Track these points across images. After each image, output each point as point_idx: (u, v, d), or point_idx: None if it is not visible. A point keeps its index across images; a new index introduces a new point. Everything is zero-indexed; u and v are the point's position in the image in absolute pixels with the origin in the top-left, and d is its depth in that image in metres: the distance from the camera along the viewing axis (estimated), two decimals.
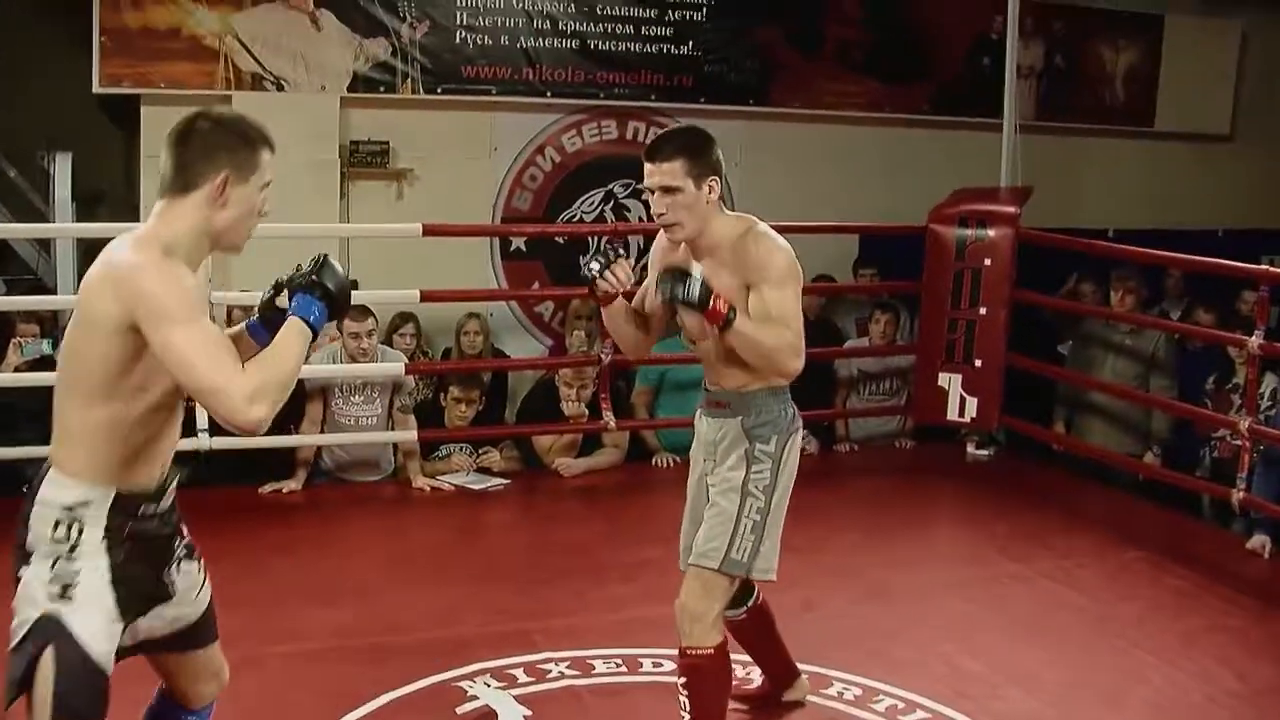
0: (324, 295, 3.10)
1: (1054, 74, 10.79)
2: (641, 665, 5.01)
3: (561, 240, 9.43)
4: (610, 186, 9.67)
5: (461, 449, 7.82)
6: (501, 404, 8.51)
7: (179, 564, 3.20)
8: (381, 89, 9.03)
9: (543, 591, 5.80)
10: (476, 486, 7.50)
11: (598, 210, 9.65)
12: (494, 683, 4.84)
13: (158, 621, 3.17)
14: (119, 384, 2.95)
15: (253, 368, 2.93)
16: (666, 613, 4.48)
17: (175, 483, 3.17)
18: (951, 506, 7.78)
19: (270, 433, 7.19)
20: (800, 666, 4.84)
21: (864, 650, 5.19)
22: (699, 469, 4.32)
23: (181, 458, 7.18)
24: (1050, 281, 9.04)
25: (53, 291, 8.72)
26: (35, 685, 2.91)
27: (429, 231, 7.67)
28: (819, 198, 9.58)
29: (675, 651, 4.19)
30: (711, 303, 3.88)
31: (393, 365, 7.44)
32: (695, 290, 3.88)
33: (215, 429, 7.04)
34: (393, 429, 7.52)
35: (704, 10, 9.64)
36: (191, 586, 3.25)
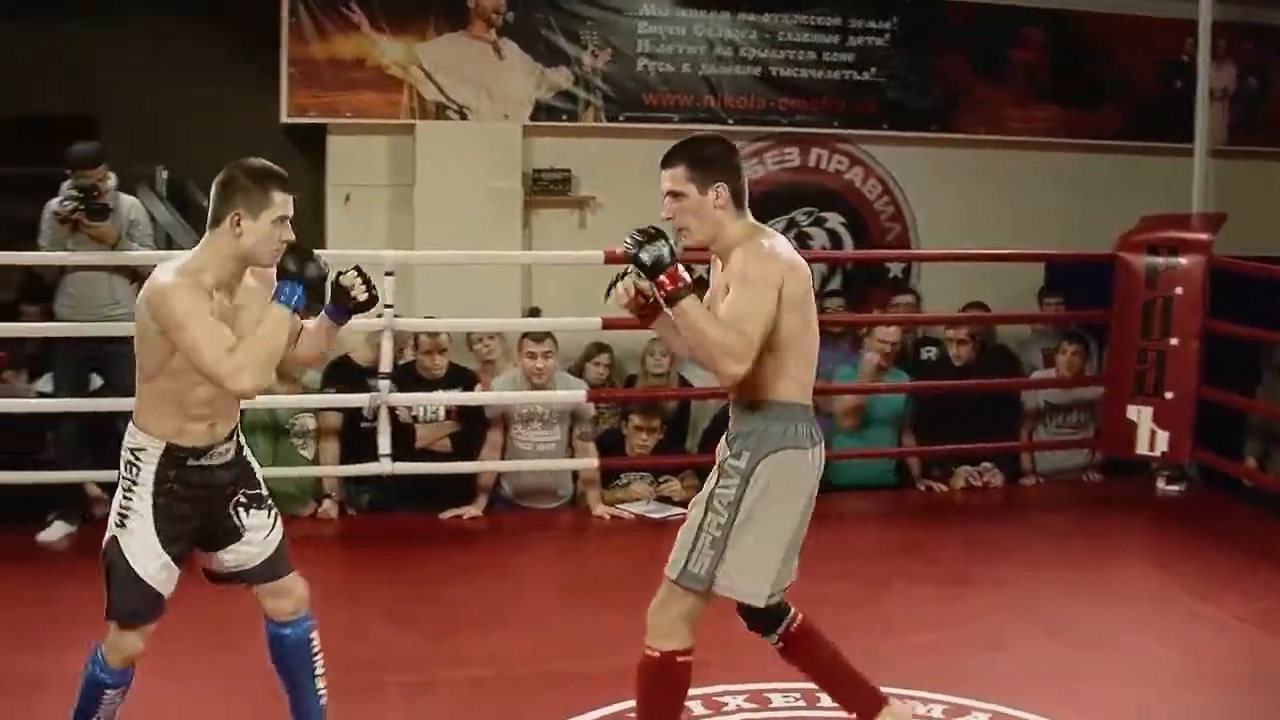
0: (301, 281, 3.80)
1: (1247, 96, 10.46)
2: (819, 700, 4.90)
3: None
4: (792, 214, 9.61)
5: (642, 477, 7.81)
6: (683, 432, 8.48)
7: (246, 511, 4.01)
8: (564, 117, 9.10)
9: (720, 623, 5.67)
10: (656, 515, 7.49)
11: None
12: None
13: (233, 556, 4.02)
14: (165, 366, 3.80)
15: (239, 349, 3.70)
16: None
17: (230, 450, 3.97)
18: (1141, 543, 7.56)
19: (451, 458, 7.40)
20: (983, 705, 4.75)
21: (1051, 690, 5.01)
22: None
23: (364, 482, 7.40)
24: (1244, 311, 8.76)
25: None
26: (105, 589, 3.88)
27: (611, 259, 7.67)
28: (1003, 225, 9.41)
29: None
30: (666, 272, 3.79)
31: (573, 393, 7.47)
32: (650, 254, 3.81)
33: (397, 455, 7.14)
34: (573, 456, 7.54)
35: (887, 36, 9.57)
36: (260, 529, 4.04)
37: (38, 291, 8.11)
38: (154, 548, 3.83)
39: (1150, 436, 8.16)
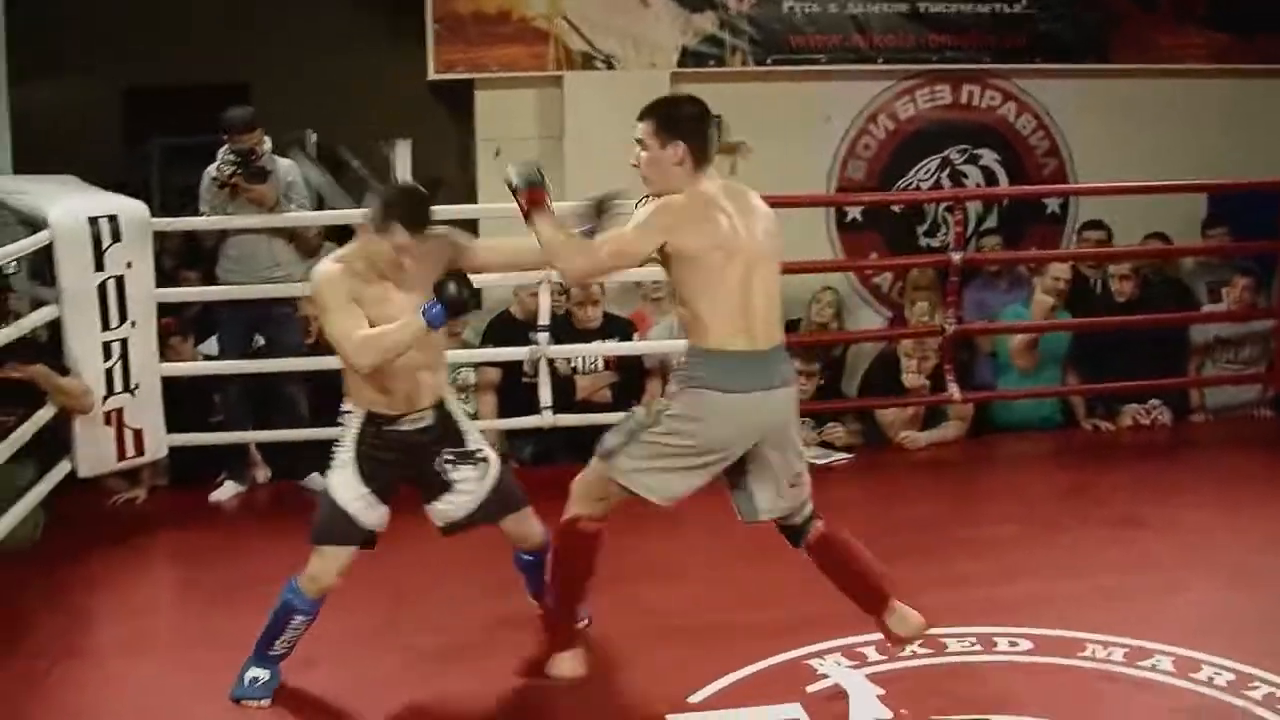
0: (446, 303, 4.28)
1: None
2: (996, 644, 4.85)
3: (898, 210, 9.27)
4: (946, 153, 9.44)
5: (804, 423, 7.74)
6: (839, 377, 8.40)
7: (453, 466, 4.63)
8: (711, 63, 9.02)
9: (891, 567, 5.67)
10: (820, 461, 7.42)
11: (934, 178, 9.44)
12: (845, 661, 4.76)
13: (447, 506, 4.66)
14: None
15: (370, 335, 4.34)
16: (1022, 591, 4.37)
17: (427, 417, 4.60)
18: None
19: (612, 409, 7.41)
20: (1166, 649, 4.68)
21: (1235, 635, 4.87)
22: None
23: (526, 434, 7.45)
24: None
25: None
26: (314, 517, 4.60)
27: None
28: (1162, 156, 9.13)
29: (1031, 631, 4.22)
30: (528, 191, 4.29)
31: None
32: (515, 173, 4.36)
33: (557, 407, 7.16)
34: None
35: None
36: (469, 480, 4.64)
37: (196, 257, 8.24)
38: (353, 485, 4.52)
39: None
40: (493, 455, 4.75)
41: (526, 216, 4.31)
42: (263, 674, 4.58)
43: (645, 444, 4.32)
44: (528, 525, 4.84)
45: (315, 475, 7.13)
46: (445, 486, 4.63)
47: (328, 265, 4.50)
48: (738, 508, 4.52)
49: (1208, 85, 9.63)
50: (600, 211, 4.47)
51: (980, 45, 9.34)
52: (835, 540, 4.61)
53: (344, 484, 4.53)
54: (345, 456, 4.55)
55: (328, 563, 4.50)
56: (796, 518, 4.56)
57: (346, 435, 4.57)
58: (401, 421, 4.57)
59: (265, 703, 4.56)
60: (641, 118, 4.34)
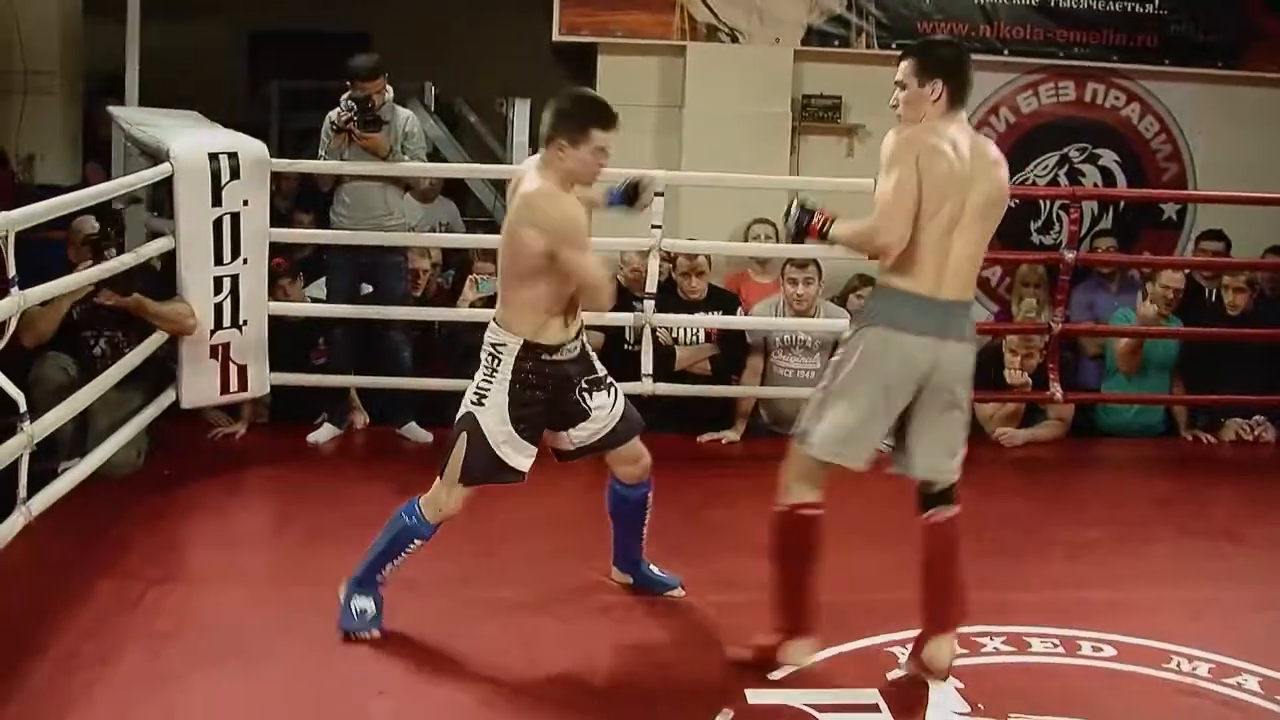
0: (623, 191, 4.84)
1: None
2: (1080, 648, 4.81)
3: (1015, 203, 9.18)
4: (1065, 150, 9.33)
5: None
6: None
7: (590, 393, 4.66)
8: (835, 43, 8.98)
9: (979, 563, 5.58)
10: None
11: (1052, 174, 9.35)
12: None
13: (583, 432, 4.71)
14: (543, 271, 4.42)
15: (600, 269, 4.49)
16: (1110, 597, 4.32)
17: (578, 346, 4.62)
18: None
19: (711, 382, 7.42)
20: (1253, 669, 4.61)
21: None
22: None
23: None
24: None
25: None
26: (451, 455, 4.56)
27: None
28: None
29: (1117, 637, 4.24)
30: (809, 226, 4.39)
31: (834, 321, 7.39)
32: (794, 221, 4.43)
33: (657, 376, 7.17)
34: None
35: None
36: (603, 407, 4.71)
37: (313, 199, 8.33)
38: (505, 425, 4.49)
39: None
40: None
41: (825, 239, 4.41)
42: (369, 606, 4.64)
43: (829, 405, 4.36)
44: (638, 450, 4.87)
45: (413, 424, 7.23)
46: (583, 415, 4.66)
47: (547, 187, 4.42)
48: (895, 459, 4.53)
49: None
50: (633, 197, 4.88)
51: (1108, 43, 9.21)
52: (952, 536, 4.58)
53: (498, 421, 4.49)
54: (498, 392, 4.50)
55: (457, 495, 4.56)
56: (940, 485, 4.52)
57: (501, 368, 4.50)
58: (561, 351, 4.56)
59: (375, 633, 4.64)
60: (903, 58, 4.42)
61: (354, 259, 7.23)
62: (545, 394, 4.55)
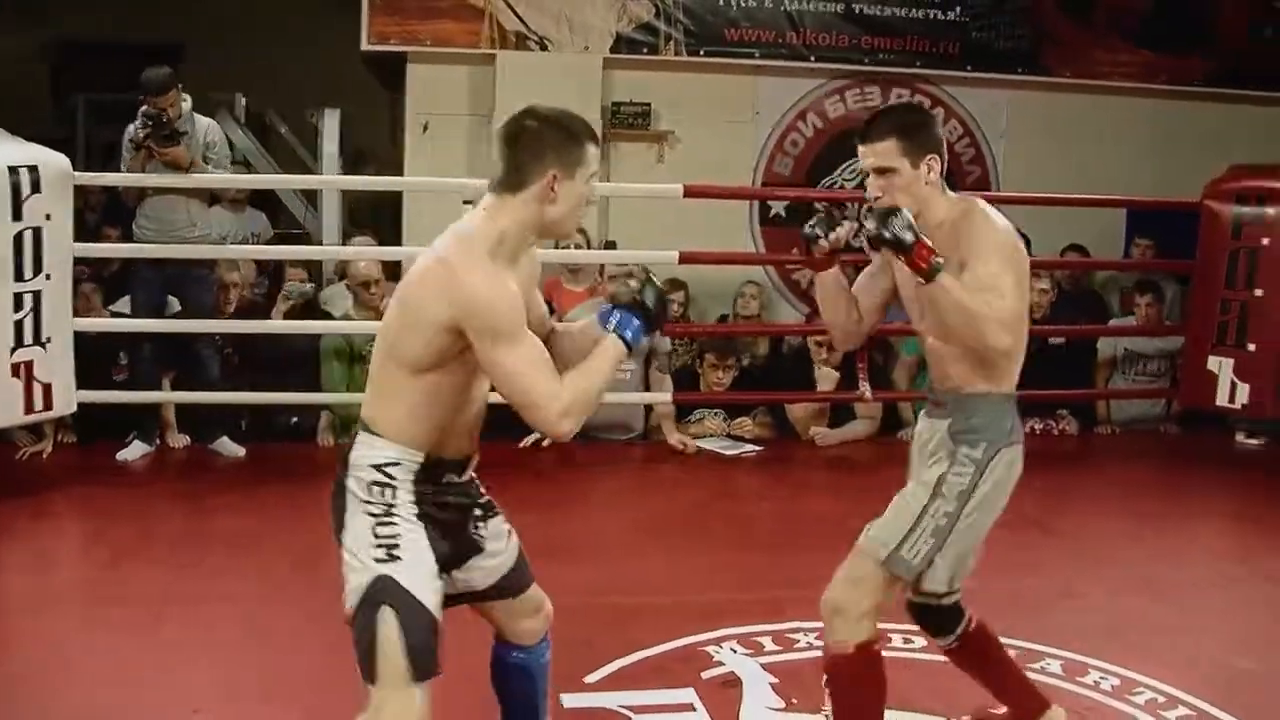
0: (644, 314, 3.23)
1: None
2: (891, 640, 4.87)
3: (822, 207, 9.31)
4: None
5: (715, 414, 7.80)
6: (772, 372, 8.44)
7: (484, 520, 3.42)
8: (644, 50, 9.05)
9: (793, 560, 5.72)
10: (729, 452, 7.49)
11: (858, 178, 9.47)
12: (741, 649, 4.79)
13: (477, 573, 3.42)
14: (444, 361, 3.12)
15: (567, 383, 3.08)
16: None
17: (476, 458, 3.36)
18: (1219, 497, 7.43)
19: None
20: (1056, 653, 4.74)
21: (1125, 642, 4.96)
22: (911, 473, 3.89)
23: None
24: None
25: (318, 243, 8.98)
26: (379, 644, 3.12)
27: (690, 193, 7.63)
28: (1086, 170, 9.32)
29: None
30: (918, 245, 3.46)
31: None
32: (900, 227, 3.46)
33: None
34: (649, 390, 7.54)
35: None
36: (498, 537, 3.46)
37: (119, 213, 8.18)
38: (433, 575, 3.21)
39: (1230, 389, 8.03)
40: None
41: (926, 275, 3.49)
42: None
43: (956, 536, 3.67)
44: (539, 597, 3.64)
45: (225, 439, 7.14)
46: (475, 549, 3.41)
47: (476, 257, 3.07)
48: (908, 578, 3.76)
49: (1135, 103, 9.78)
50: (654, 315, 3.28)
51: (913, 50, 9.43)
52: (988, 633, 4.09)
53: (426, 579, 3.18)
54: (410, 533, 3.18)
55: (414, 704, 3.17)
56: (954, 598, 3.90)
57: (399, 500, 3.18)
58: (468, 466, 3.36)
59: None
60: (874, 139, 3.64)
61: (159, 273, 7.11)
62: (446, 526, 3.29)
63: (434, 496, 3.23)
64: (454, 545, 3.31)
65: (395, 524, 3.16)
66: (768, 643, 4.85)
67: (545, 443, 7.38)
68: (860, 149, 3.69)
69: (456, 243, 3.12)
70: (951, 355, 3.70)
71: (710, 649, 4.77)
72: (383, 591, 3.12)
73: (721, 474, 7.26)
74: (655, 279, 3.32)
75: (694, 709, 4.34)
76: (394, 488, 3.17)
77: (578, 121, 3.20)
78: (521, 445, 7.36)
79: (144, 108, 6.84)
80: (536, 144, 3.14)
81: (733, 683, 4.54)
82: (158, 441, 7.24)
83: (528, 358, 3.04)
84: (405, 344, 3.13)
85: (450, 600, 3.36)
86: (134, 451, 7.11)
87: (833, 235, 3.75)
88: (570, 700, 4.35)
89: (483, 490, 3.46)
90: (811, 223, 3.80)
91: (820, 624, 4.86)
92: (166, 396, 7.22)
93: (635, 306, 3.23)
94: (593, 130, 3.23)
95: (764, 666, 4.66)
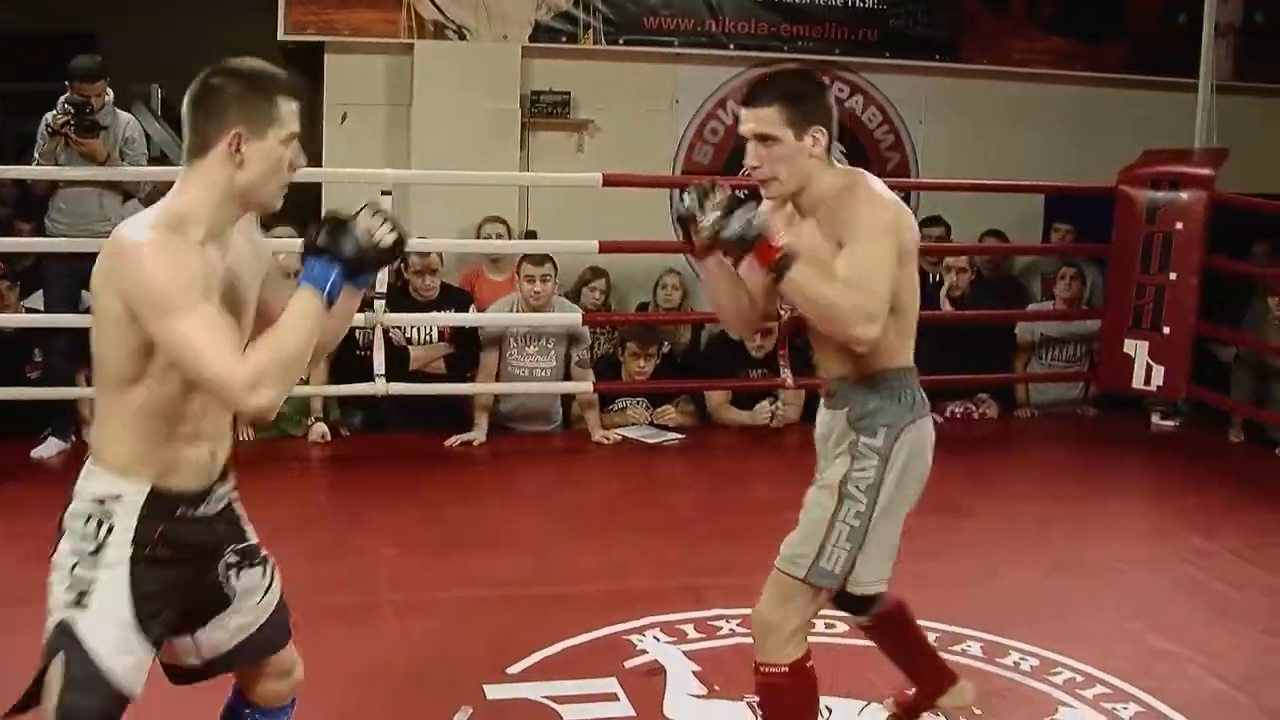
0: (338, 259, 2.77)
1: (1253, 32, 10.33)
2: (814, 626, 4.90)
3: (743, 195, 9.30)
4: None
5: (637, 402, 7.81)
6: (682, 361, 8.45)
7: (236, 572, 2.98)
8: (563, 39, 9.02)
9: (716, 548, 5.74)
10: (651, 440, 7.49)
11: None
12: (664, 637, 4.79)
13: (221, 633, 2.98)
14: (144, 364, 2.72)
15: (254, 352, 2.67)
16: None
17: (228, 488, 2.97)
18: (1136, 478, 7.55)
19: (447, 379, 7.38)
20: (976, 635, 4.78)
21: (1044, 622, 5.02)
22: (818, 468, 3.69)
23: (359, 402, 7.41)
24: (1244, 248, 8.74)
25: None
26: (45, 693, 2.77)
27: (609, 182, 7.62)
28: (1004, 156, 9.38)
29: (849, 615, 4.04)
30: (759, 242, 3.26)
31: (569, 315, 7.44)
32: (737, 226, 3.27)
33: (390, 376, 7.10)
34: (568, 381, 7.53)
35: None
36: (253, 591, 3.02)
37: (31, 207, 8.07)
38: (128, 634, 2.76)
39: (1146, 371, 8.14)
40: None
41: (774, 272, 3.29)
42: None
43: (873, 534, 3.48)
44: (292, 658, 3.19)
45: (52, 440, 7.07)
46: (223, 603, 2.96)
47: (146, 234, 2.66)
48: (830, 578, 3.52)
49: (1051, 89, 9.88)
50: (362, 252, 2.81)
51: (832, 37, 9.46)
52: (905, 612, 4.03)
53: (114, 637, 2.75)
54: (112, 580, 2.75)
55: None
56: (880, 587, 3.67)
57: (112, 541, 2.76)
58: (209, 499, 2.90)
59: None
60: (757, 103, 3.41)
61: (73, 267, 7.00)
62: (181, 575, 2.84)
63: (166, 537, 2.79)
64: (191, 598, 2.89)
65: (97, 569, 2.75)
66: (690, 630, 4.86)
67: (477, 441, 7.32)
68: (742, 112, 3.49)
69: (129, 225, 2.72)
70: (833, 342, 3.47)
71: (633, 638, 4.78)
72: (60, 637, 2.75)
73: (644, 463, 7.26)
74: (381, 208, 2.90)
75: (617, 698, 4.34)
76: (110, 525, 2.76)
77: (270, 74, 2.81)
78: (449, 443, 7.28)
79: (68, 94, 6.74)
80: (217, 101, 2.75)
81: (656, 671, 4.54)
82: (73, 438, 7.13)
83: (199, 327, 2.60)
84: (101, 354, 2.76)
85: (198, 673, 3.04)
86: (49, 449, 7.01)
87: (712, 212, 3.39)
88: (493, 691, 4.34)
89: (247, 532, 3.04)
90: (684, 201, 3.46)
91: (742, 610, 4.92)
92: (81, 392, 7.12)
93: (330, 248, 2.77)
94: (293, 85, 2.83)
95: (687, 654, 4.66)
